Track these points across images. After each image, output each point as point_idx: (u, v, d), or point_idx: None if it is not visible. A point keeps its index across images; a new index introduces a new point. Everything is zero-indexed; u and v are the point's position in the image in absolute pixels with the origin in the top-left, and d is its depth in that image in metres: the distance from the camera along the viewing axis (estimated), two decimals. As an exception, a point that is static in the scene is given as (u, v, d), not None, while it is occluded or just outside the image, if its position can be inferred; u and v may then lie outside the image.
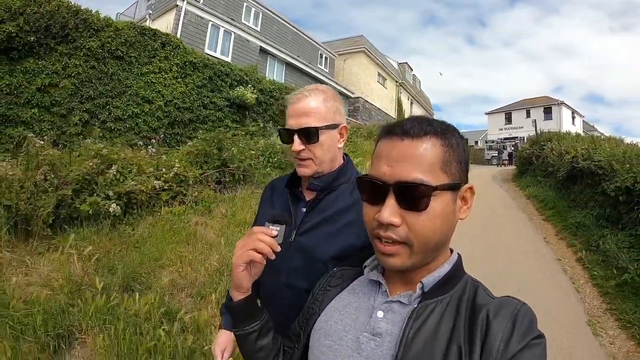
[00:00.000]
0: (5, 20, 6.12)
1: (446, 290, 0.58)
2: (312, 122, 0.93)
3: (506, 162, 20.64)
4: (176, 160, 4.34)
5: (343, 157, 1.04)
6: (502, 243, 5.12)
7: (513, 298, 0.56)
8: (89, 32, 6.92)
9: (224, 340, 1.09)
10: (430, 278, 0.59)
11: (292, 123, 0.94)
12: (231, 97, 9.11)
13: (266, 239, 0.67)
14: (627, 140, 8.94)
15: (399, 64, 25.92)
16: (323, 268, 0.86)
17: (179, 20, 9.45)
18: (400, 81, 24.55)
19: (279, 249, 0.68)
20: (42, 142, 4.16)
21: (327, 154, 0.97)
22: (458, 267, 0.62)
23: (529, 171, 10.27)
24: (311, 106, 0.94)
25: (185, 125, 8.18)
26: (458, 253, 0.65)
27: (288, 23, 15.43)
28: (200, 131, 8.31)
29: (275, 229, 0.70)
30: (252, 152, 5.96)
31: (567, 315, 3.26)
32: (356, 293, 0.66)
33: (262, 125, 9.49)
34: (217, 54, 10.41)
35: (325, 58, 18.06)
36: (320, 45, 17.70)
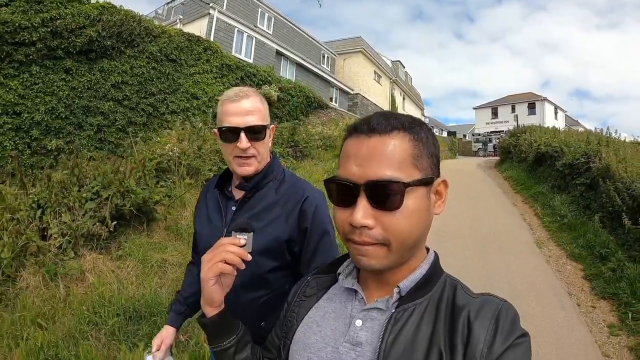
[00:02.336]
0: (87, 26, 7.45)
1: (424, 293, 0.56)
2: (258, 121, 0.97)
3: (492, 153, 22.61)
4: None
5: (269, 155, 1.07)
6: (482, 204, 6.93)
7: (494, 296, 0.55)
8: (149, 38, 8.34)
9: (164, 334, 1.13)
10: (407, 281, 0.57)
11: (238, 121, 0.96)
12: (258, 94, 10.65)
13: (235, 249, 0.65)
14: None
15: (393, 62, 27.60)
16: (252, 263, 0.83)
17: (211, 26, 10.87)
18: (393, 78, 26.26)
19: (249, 257, 0.66)
20: (201, 125, 5.69)
21: (267, 152, 1.02)
22: (435, 266, 0.60)
23: (508, 159, 12.16)
24: (255, 105, 0.98)
25: (212, 118, 9.67)
26: (435, 252, 0.63)
27: (295, 26, 16.91)
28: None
29: (242, 238, 0.67)
30: (312, 136, 8.45)
31: (523, 239, 5.06)
32: (333, 302, 0.65)
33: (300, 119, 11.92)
34: (242, 56, 11.85)
35: (327, 58, 19.60)
36: (322, 46, 19.21)
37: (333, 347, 0.58)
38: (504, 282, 3.82)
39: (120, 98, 7.80)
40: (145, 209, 3.30)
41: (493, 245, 4.70)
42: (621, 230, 4.29)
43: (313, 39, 18.29)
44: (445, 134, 37.77)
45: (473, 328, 0.50)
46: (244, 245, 0.67)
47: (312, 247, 1.01)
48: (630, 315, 3.13)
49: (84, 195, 3.22)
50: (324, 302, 0.66)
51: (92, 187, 3.25)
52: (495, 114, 32.82)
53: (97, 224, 3.04)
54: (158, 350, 1.09)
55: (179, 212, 3.70)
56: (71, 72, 7.33)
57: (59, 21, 7.12)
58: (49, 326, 2.60)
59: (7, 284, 3.02)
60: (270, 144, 1.06)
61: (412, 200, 0.52)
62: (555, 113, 31.34)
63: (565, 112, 33.42)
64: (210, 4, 10.96)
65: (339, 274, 0.66)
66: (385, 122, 0.54)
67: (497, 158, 16.56)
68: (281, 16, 15.71)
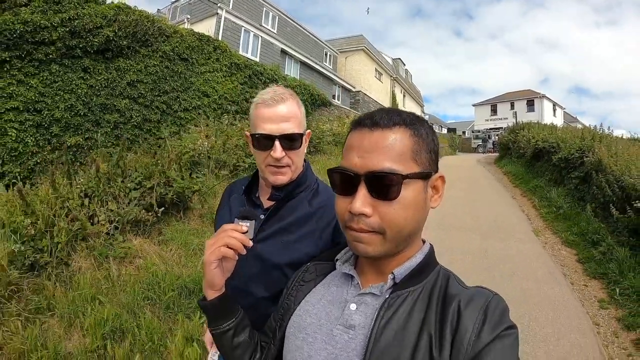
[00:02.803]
0: (103, 26, 7.72)
1: (418, 281, 0.59)
2: (294, 128, 0.91)
3: (491, 150, 23.00)
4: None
5: (303, 164, 1.02)
6: (483, 197, 7.31)
7: (485, 289, 0.56)
8: (162, 37, 8.62)
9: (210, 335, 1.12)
10: (402, 269, 0.59)
11: (273, 128, 0.89)
12: (265, 92, 10.99)
13: (237, 234, 0.67)
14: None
15: (393, 59, 27.89)
16: (280, 275, 0.88)
17: (219, 26, 11.14)
18: (394, 76, 26.53)
19: (250, 244, 0.68)
20: (227, 122, 6.05)
21: (302, 160, 0.97)
22: (430, 257, 0.63)
23: (507, 155, 12.54)
24: (292, 110, 0.92)
25: (233, 115, 9.99)
26: (430, 244, 0.65)
27: (298, 24, 17.16)
28: (243, 120, 10.18)
29: (245, 225, 0.70)
30: (324, 132, 8.93)
31: (521, 228, 5.44)
32: (329, 287, 0.67)
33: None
34: (249, 55, 12.13)
35: (330, 56, 19.88)
36: (324, 44, 19.47)
37: (327, 329, 0.60)
38: (504, 266, 4.20)
39: (135, 96, 8.09)
40: (182, 198, 3.64)
41: (493, 234, 5.08)
42: (611, 219, 4.67)
43: (316, 37, 18.55)
44: (445, 131, 38.18)
45: (462, 317, 0.52)
46: (246, 232, 0.69)
47: None
48: (618, 291, 3.52)
49: (128, 185, 3.56)
50: (321, 287, 0.69)
51: (135, 178, 3.59)
52: (494, 111, 33.10)
53: (143, 211, 3.38)
54: (212, 345, 1.13)
55: (212, 201, 4.06)
56: (89, 70, 7.59)
57: (77, 21, 7.35)
58: (106, 302, 2.95)
59: (60, 267, 3.37)
60: (305, 152, 0.99)
61: (410, 192, 0.55)
62: (554, 110, 31.62)
63: (564, 109, 33.72)
64: (218, 4, 11.23)
65: (337, 260, 0.69)
66: (387, 117, 0.58)
67: (497, 154, 16.98)
68: (285, 15, 15.97)
